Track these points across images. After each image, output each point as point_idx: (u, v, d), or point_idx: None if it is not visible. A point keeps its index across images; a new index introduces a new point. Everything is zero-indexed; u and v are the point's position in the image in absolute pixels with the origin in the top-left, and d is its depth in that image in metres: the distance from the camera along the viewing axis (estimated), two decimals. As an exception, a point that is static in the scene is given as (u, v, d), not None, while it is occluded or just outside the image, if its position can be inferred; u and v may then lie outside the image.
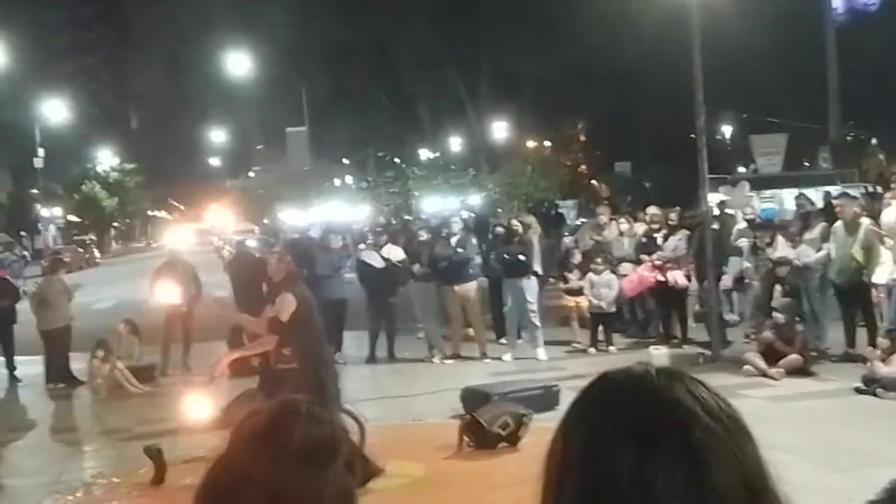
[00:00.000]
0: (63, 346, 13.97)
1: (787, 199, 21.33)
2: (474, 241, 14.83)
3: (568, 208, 35.31)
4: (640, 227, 15.04)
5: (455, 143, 45.02)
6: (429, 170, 42.35)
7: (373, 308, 14.37)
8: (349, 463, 1.45)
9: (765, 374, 11.22)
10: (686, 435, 1.05)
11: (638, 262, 14.21)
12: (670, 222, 14.47)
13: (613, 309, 14.04)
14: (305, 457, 1.40)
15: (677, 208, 15.05)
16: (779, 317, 11.67)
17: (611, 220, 15.77)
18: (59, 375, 13.93)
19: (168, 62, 63.74)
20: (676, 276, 13.77)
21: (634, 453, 1.05)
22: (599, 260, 14.07)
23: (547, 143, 43.50)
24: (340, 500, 1.42)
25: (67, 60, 69.82)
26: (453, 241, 14.17)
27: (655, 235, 14.38)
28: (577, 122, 44.94)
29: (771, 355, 11.42)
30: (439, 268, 13.93)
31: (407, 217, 33.98)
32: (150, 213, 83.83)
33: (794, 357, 11.37)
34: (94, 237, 55.81)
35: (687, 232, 14.07)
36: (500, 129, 41.80)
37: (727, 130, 43.47)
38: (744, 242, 14.46)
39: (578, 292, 14.20)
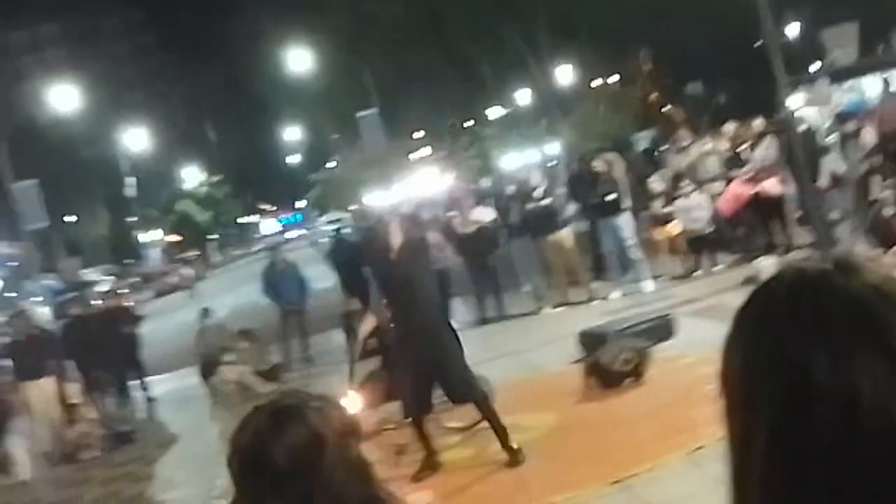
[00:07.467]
0: None
1: (867, 86, 20.80)
2: (560, 189, 14.87)
3: (646, 139, 34.88)
4: (724, 144, 14.90)
5: (524, 97, 44.80)
6: (500, 127, 42.25)
7: (474, 272, 14.59)
8: (343, 443, 1.48)
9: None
10: (878, 333, 1.01)
11: (728, 180, 14.11)
12: (756, 130, 14.29)
13: (711, 229, 13.99)
14: (294, 471, 1.44)
15: (760, 118, 14.84)
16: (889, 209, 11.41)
17: (692, 142, 15.66)
18: None
19: (233, 73, 64.82)
20: (770, 185, 13.63)
21: (827, 357, 1.00)
22: (685, 183, 13.99)
23: (612, 80, 42.92)
24: (352, 480, 1.47)
25: (137, 89, 71.51)
26: (538, 193, 14.26)
27: (737, 150, 14.24)
28: (639, 51, 44.19)
29: (885, 242, 11.20)
30: (529, 221, 14.07)
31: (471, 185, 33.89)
32: (240, 220, 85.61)
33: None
34: (198, 252, 57.40)
35: (773, 139, 13.88)
36: (564, 74, 41.43)
37: (790, 31, 42.24)
38: (835, 138, 14.21)
39: (665, 220, 14.16)
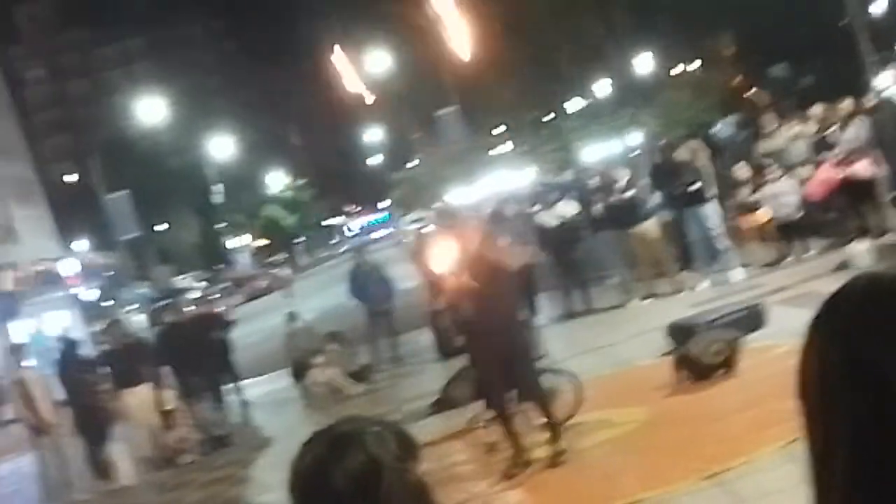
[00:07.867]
0: None
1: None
2: (644, 181, 14.70)
3: (730, 125, 34.22)
4: (811, 127, 14.56)
5: (604, 87, 44.43)
6: (581, 119, 41.91)
7: (559, 266, 14.52)
8: (401, 467, 1.52)
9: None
10: None
11: (817, 164, 13.78)
12: (844, 111, 13.91)
13: (800, 215, 13.69)
14: (353, 496, 1.49)
15: (848, 98, 14.43)
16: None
17: (778, 126, 15.34)
18: None
19: (314, 77, 65.65)
20: (861, 168, 13.27)
21: None
22: (772, 168, 13.71)
23: (692, 66, 42.26)
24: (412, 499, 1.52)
25: (221, 97, 72.84)
26: (621, 184, 14.14)
27: (825, 133, 13.88)
28: (720, 35, 43.38)
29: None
30: (613, 213, 13.96)
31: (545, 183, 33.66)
32: (324, 222, 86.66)
33: None
34: (288, 255, 58.40)
35: (862, 119, 13.50)
36: (644, 62, 40.98)
37: (876, 8, 40.95)
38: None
39: (753, 207, 13.90)
